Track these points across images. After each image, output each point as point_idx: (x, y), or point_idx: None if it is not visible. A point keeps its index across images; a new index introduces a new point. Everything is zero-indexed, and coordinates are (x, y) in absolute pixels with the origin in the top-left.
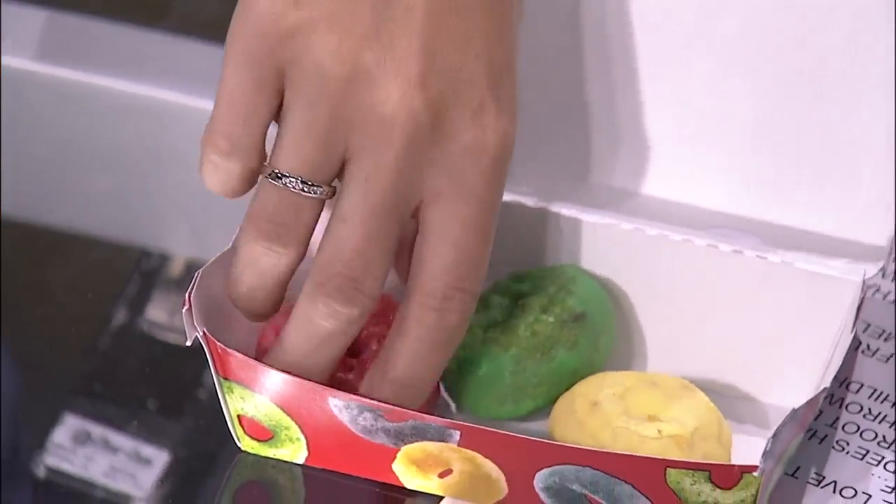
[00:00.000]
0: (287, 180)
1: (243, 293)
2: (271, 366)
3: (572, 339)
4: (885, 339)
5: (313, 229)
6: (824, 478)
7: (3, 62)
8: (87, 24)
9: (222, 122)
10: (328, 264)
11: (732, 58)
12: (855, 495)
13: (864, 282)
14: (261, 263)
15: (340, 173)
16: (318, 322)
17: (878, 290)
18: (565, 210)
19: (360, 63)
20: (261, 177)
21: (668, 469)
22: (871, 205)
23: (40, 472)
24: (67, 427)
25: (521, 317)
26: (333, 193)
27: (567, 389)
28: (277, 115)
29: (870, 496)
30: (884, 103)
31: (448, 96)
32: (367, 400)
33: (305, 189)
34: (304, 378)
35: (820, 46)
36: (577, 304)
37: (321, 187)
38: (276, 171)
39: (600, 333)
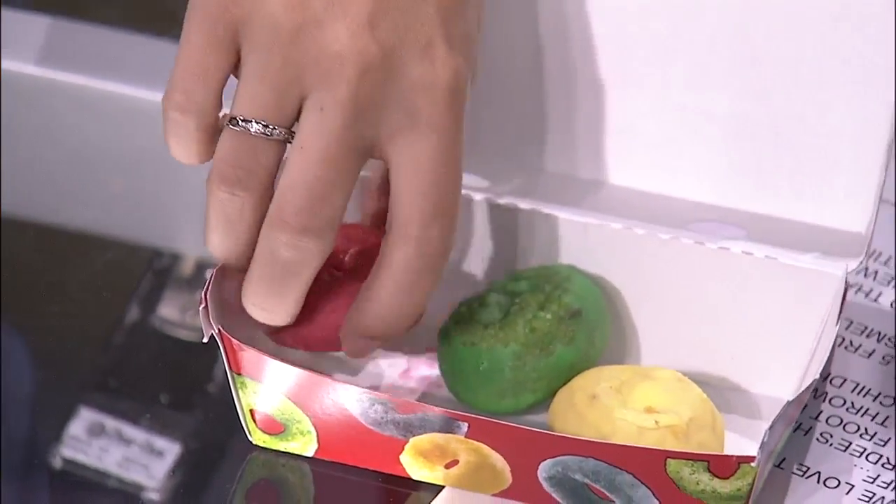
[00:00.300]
0: (245, 125)
1: (215, 242)
2: (271, 352)
3: (569, 334)
4: (867, 336)
5: (275, 173)
6: (809, 469)
7: (22, 71)
8: (104, 34)
9: (180, 79)
10: (288, 191)
11: (712, 55)
12: (838, 485)
13: (846, 275)
14: (226, 209)
15: (298, 117)
16: (279, 252)
17: (860, 289)
18: (556, 211)
19: (309, 10)
20: (223, 127)
21: (668, 459)
22: (850, 195)
23: (57, 463)
24: (83, 420)
25: (520, 314)
26: (292, 137)
27: (565, 383)
28: (236, 72)
29: (852, 486)
30: (859, 98)
31: (396, 35)
32: (378, 393)
33: (263, 131)
34: (272, 314)
35: (798, 44)
36: (573, 301)
37: (279, 129)
38: (235, 117)
39: (595, 329)
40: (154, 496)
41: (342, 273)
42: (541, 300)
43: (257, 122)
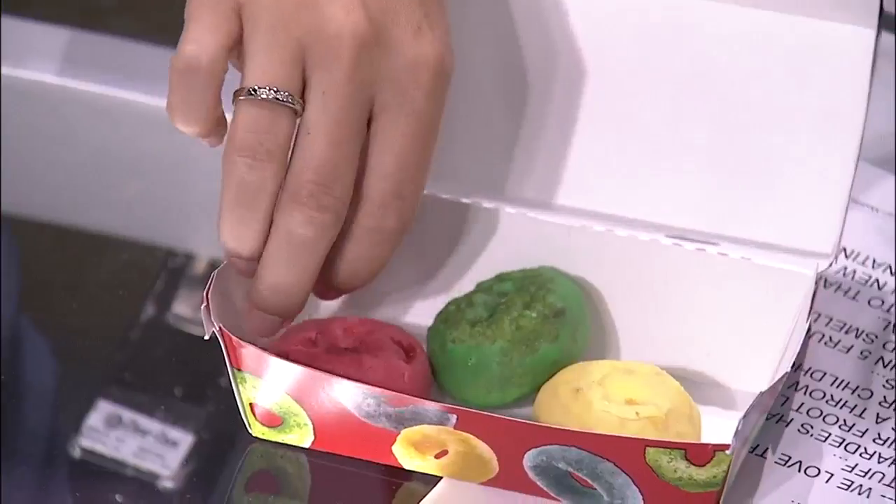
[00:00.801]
0: (260, 91)
1: (232, 223)
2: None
3: (554, 332)
4: (846, 332)
5: (290, 142)
6: (790, 458)
7: (44, 80)
8: (120, 45)
9: (189, 34)
10: (299, 173)
11: (689, 91)
12: (818, 474)
13: (815, 275)
14: (247, 180)
15: (304, 93)
16: (296, 231)
17: (839, 287)
18: (540, 215)
19: None
20: (236, 102)
21: (648, 448)
22: (820, 205)
23: (76, 453)
24: (101, 412)
25: (506, 313)
26: (302, 109)
27: (549, 378)
28: (236, 50)
29: (832, 474)
30: (825, 127)
31: (388, 16)
32: (371, 387)
33: (278, 97)
34: (288, 294)
35: (768, 78)
36: (556, 300)
37: (291, 95)
38: (247, 87)
39: (578, 327)
40: (168, 484)
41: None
42: (526, 300)
43: (268, 89)
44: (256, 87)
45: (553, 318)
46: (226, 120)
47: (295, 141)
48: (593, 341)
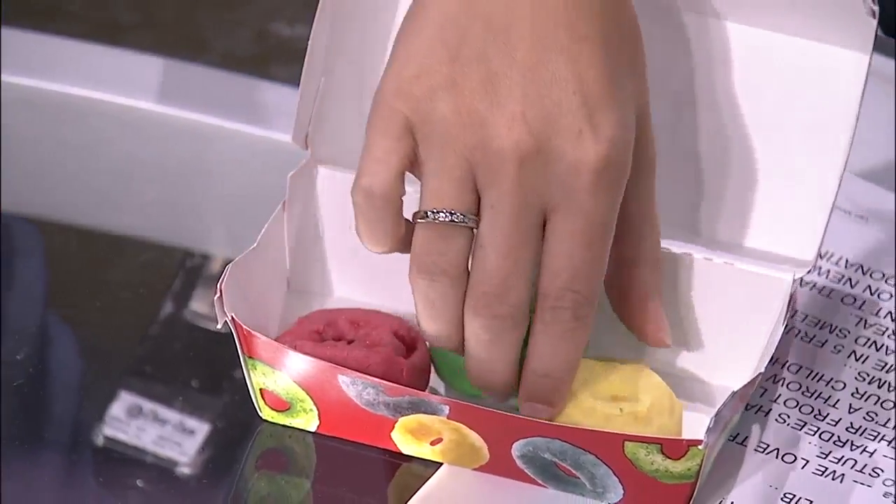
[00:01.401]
0: (432, 216)
1: (427, 327)
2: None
3: None
4: (820, 328)
5: (467, 257)
6: (768, 446)
7: (74, 94)
8: (144, 59)
9: (364, 166)
10: (475, 286)
11: (684, 102)
12: (794, 460)
13: (794, 280)
14: (429, 295)
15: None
16: (479, 334)
17: (814, 286)
18: None
19: (474, 113)
20: (415, 225)
21: (626, 442)
22: (802, 220)
23: (99, 441)
24: (122, 402)
25: None
26: (477, 225)
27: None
28: (414, 171)
29: (807, 461)
30: (814, 144)
31: (549, 126)
32: (370, 377)
33: (449, 219)
34: (492, 387)
35: (760, 94)
36: None
37: (464, 216)
38: (422, 211)
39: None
40: (185, 469)
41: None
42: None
43: (443, 213)
44: (429, 211)
45: None
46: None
47: (472, 254)
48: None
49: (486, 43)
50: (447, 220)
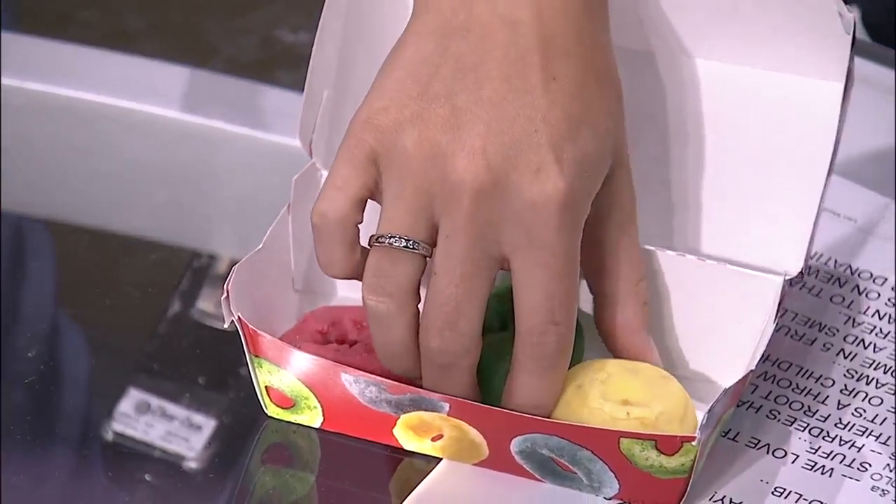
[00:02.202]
0: (384, 239)
1: (382, 353)
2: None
3: None
4: (810, 327)
5: (417, 283)
6: (759, 441)
7: (85, 98)
8: (151, 65)
9: (324, 191)
10: (427, 312)
11: (673, 135)
12: (785, 455)
13: (783, 281)
14: (378, 314)
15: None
16: (434, 359)
17: (804, 285)
18: None
19: (436, 146)
20: (370, 247)
21: (621, 439)
22: (787, 239)
23: (109, 437)
24: (131, 399)
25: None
26: (430, 254)
27: None
28: (376, 197)
29: (797, 456)
30: (796, 169)
31: (508, 162)
32: (373, 376)
33: (400, 244)
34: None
35: (743, 126)
36: None
37: (417, 243)
38: (377, 235)
39: (574, 356)
40: (192, 464)
41: (347, 346)
42: None
43: (396, 238)
44: (382, 236)
45: None
46: None
47: (427, 282)
48: (588, 339)
49: (454, 80)
50: (400, 245)
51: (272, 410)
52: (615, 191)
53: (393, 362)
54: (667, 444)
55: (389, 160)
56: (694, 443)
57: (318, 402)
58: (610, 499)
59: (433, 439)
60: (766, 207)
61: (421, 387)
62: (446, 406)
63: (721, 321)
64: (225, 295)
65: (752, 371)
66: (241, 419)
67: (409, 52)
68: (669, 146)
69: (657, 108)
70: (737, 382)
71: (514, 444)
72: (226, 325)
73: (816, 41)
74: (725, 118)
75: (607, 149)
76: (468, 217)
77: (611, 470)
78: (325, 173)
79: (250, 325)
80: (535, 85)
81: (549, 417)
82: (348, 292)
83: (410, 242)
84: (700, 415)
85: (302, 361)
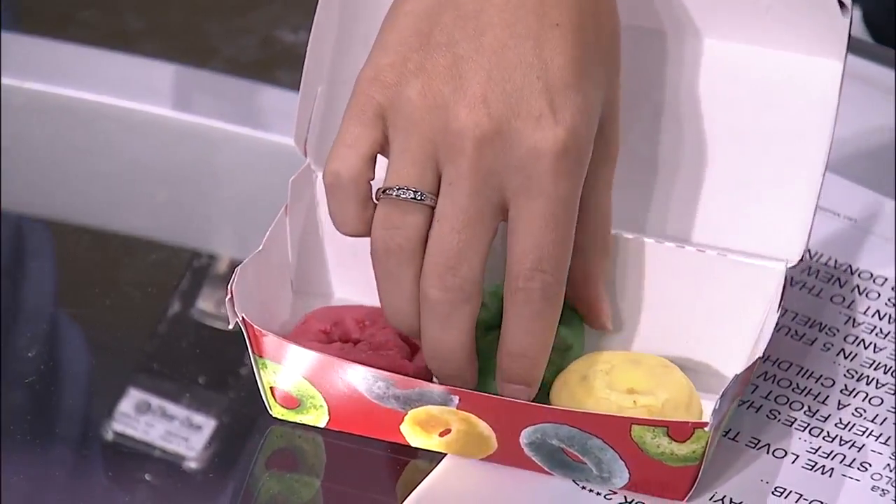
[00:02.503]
0: (392, 192)
1: (388, 308)
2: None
3: (557, 364)
4: (810, 327)
5: (424, 233)
6: (759, 441)
7: (84, 98)
8: (152, 65)
9: (335, 150)
10: (428, 258)
11: (669, 114)
12: (785, 455)
13: (786, 270)
14: (386, 270)
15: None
16: (432, 308)
17: (804, 285)
18: None
19: (439, 96)
20: (377, 201)
21: (633, 425)
22: (787, 224)
23: (109, 436)
24: (131, 398)
25: None
26: (436, 202)
27: (543, 400)
28: (384, 152)
29: (797, 456)
30: (795, 148)
31: (510, 110)
32: (380, 371)
33: (407, 195)
34: (446, 360)
35: (741, 104)
36: (567, 336)
37: (423, 194)
38: (384, 188)
39: (575, 351)
40: (193, 464)
41: (352, 344)
42: None
43: (403, 190)
44: (390, 189)
45: (562, 351)
46: None
47: (430, 230)
48: (589, 333)
49: (455, 29)
50: (407, 197)
51: (277, 411)
52: (603, 138)
53: (399, 318)
54: (678, 431)
55: (395, 114)
56: (706, 428)
57: (324, 400)
58: (619, 489)
59: (441, 434)
60: (765, 188)
61: (430, 378)
62: (455, 399)
63: (723, 312)
64: (229, 296)
65: (759, 358)
66: (242, 419)
67: (410, 6)
68: (667, 126)
69: (654, 86)
70: (747, 368)
71: (524, 436)
72: (230, 327)
73: (815, 18)
74: (722, 96)
75: (603, 97)
76: (471, 165)
77: (621, 458)
78: (319, 174)
79: (255, 326)
80: (535, 31)
81: (537, 372)
82: (346, 293)
83: (418, 194)
84: (705, 403)
85: (308, 360)
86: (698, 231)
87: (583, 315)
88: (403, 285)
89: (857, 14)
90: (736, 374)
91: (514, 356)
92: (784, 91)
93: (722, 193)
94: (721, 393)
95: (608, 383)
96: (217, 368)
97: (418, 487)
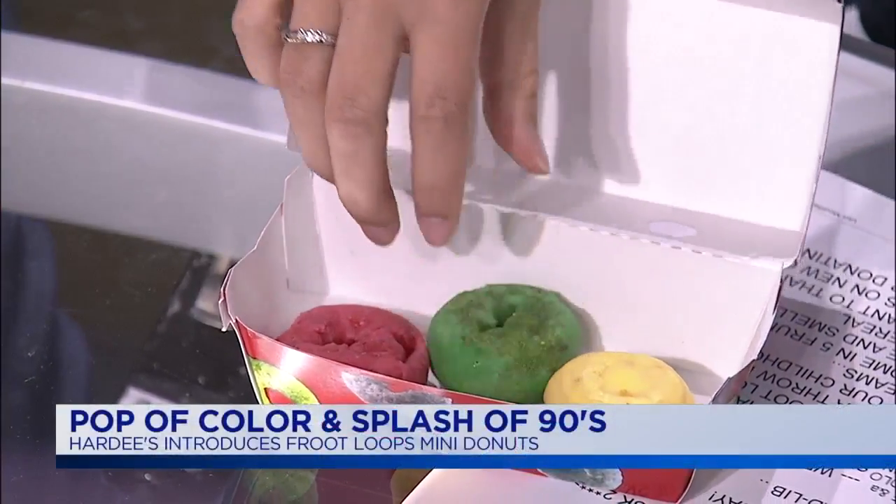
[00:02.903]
0: (295, 35)
1: (302, 149)
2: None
3: (554, 364)
4: (810, 326)
5: (325, 73)
6: None
7: (84, 98)
8: (153, 65)
9: (241, 2)
10: (329, 92)
11: (667, 78)
12: None
13: (781, 271)
14: (294, 112)
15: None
16: (337, 145)
17: (804, 285)
18: (532, 214)
19: None
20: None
21: None
22: (786, 202)
23: None
24: (131, 398)
25: (516, 330)
26: (333, 44)
27: (538, 401)
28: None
29: None
30: (793, 114)
31: None
32: (374, 374)
33: (310, 38)
34: (357, 202)
35: (739, 66)
36: (564, 336)
37: (323, 34)
38: (285, 33)
39: (572, 350)
40: None
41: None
42: (534, 323)
43: (305, 33)
44: (292, 32)
45: (557, 351)
46: None
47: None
48: (585, 333)
49: None
50: (310, 39)
51: None
52: None
53: (315, 162)
54: None
55: None
56: None
57: (318, 402)
58: (613, 492)
59: None
60: (763, 154)
61: (424, 380)
62: (448, 402)
63: (718, 312)
64: (222, 299)
65: (754, 360)
66: None
67: None
68: (660, 88)
69: (651, 45)
70: (740, 371)
71: None
72: (224, 329)
73: None
74: (718, 58)
75: None
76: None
77: None
78: (315, 174)
79: (248, 329)
80: None
81: (451, 202)
82: (341, 291)
83: (321, 35)
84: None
85: (301, 362)
86: (693, 196)
87: (518, 160)
88: (312, 127)
89: (855, 14)
90: (729, 378)
91: (425, 189)
92: (781, 53)
93: (719, 159)
94: (713, 396)
95: (602, 385)
96: (217, 368)
97: (417, 487)
